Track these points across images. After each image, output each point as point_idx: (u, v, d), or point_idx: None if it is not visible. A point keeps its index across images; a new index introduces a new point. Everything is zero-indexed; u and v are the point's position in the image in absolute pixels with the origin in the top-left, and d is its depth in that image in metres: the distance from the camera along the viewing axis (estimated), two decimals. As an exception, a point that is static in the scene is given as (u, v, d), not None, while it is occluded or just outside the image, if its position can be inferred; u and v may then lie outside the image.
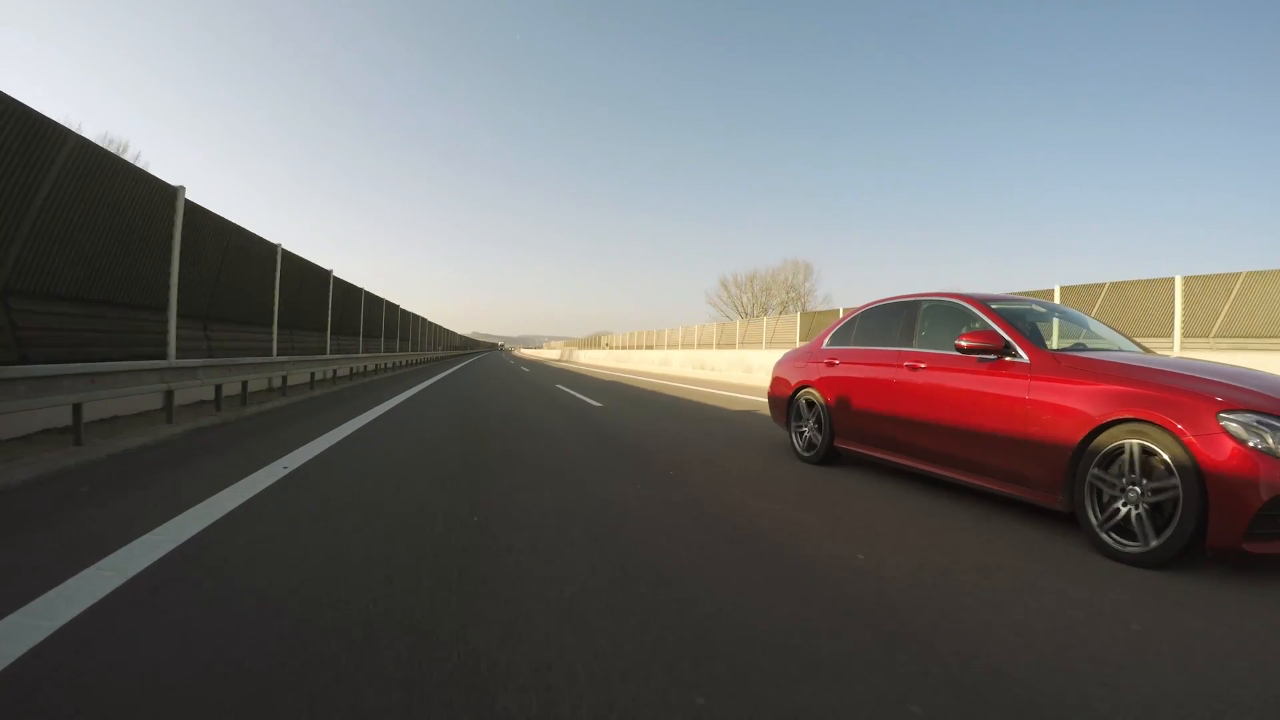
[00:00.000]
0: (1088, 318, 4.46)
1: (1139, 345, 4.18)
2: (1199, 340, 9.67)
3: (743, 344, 22.01)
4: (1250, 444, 2.51)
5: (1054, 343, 3.97)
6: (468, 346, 76.71)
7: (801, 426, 5.03)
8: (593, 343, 60.11)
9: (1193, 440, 2.58)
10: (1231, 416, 2.58)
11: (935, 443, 3.73)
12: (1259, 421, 2.56)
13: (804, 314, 20.12)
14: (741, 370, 17.29)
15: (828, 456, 4.74)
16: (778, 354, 20.25)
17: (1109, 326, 4.40)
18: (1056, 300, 11.31)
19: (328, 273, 14.47)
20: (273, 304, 10.91)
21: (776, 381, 5.54)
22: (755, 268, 64.00)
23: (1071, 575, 2.54)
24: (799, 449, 5.03)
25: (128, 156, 7.36)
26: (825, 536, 2.98)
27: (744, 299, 52.29)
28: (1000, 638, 1.94)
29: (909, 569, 2.55)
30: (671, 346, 29.49)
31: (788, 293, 50.34)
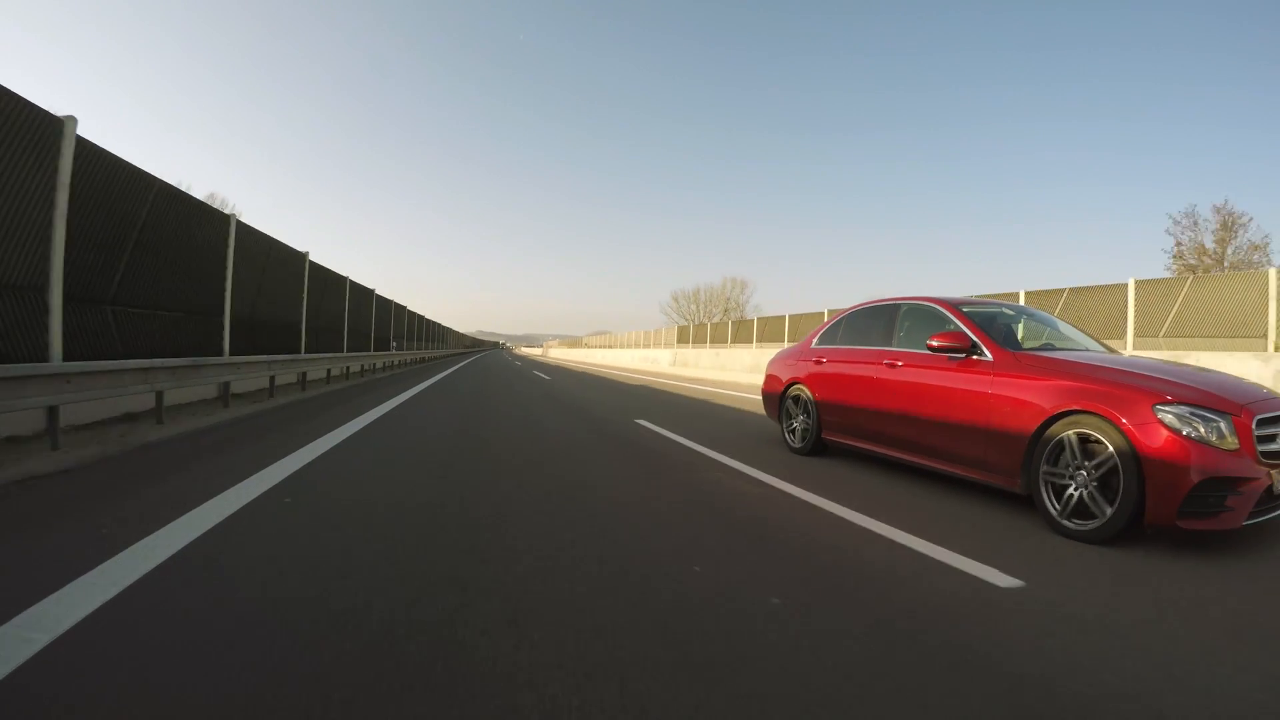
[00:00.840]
0: (1056, 319, 4.79)
1: (1104, 345, 4.50)
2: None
3: (654, 346, 33.43)
4: (1183, 433, 2.83)
5: (1024, 343, 4.29)
6: (476, 345, 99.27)
7: (792, 421, 5.36)
8: (575, 343, 75.20)
9: (1131, 430, 2.90)
10: (1166, 409, 2.90)
11: (911, 433, 4.06)
12: (1191, 413, 2.88)
13: (680, 327, 32.73)
14: (649, 361, 27.98)
15: (816, 448, 5.07)
16: (666, 352, 27.17)
17: (1076, 328, 4.73)
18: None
19: (370, 291, 18.98)
20: (344, 317, 15.64)
21: (769, 379, 5.86)
22: (699, 283, 77.32)
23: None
24: (790, 441, 5.36)
25: (226, 210, 10.49)
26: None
27: (691, 309, 61.75)
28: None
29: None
30: (623, 347, 41.12)
31: (726, 303, 58.77)
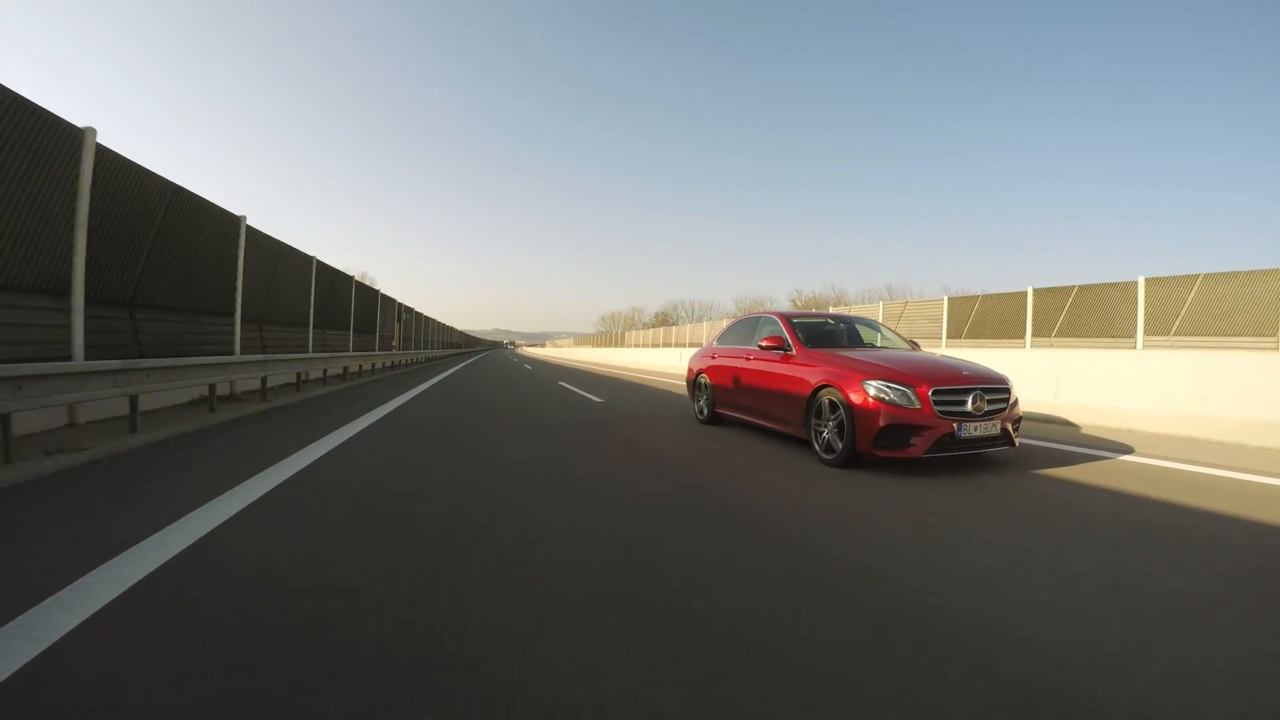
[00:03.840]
0: (881, 326, 6.70)
1: (910, 343, 6.39)
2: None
3: (578, 344, 50.75)
4: (880, 397, 4.73)
5: (865, 343, 6.20)
6: (493, 345, 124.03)
7: (699, 400, 7.34)
8: (558, 344, 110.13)
9: (849, 396, 4.82)
10: (870, 383, 4.79)
11: (756, 404, 6.02)
12: (885, 385, 4.76)
13: (576, 338, 77.73)
14: (585, 357, 39.92)
15: (713, 419, 7.03)
16: (582, 350, 46.18)
17: (894, 331, 6.62)
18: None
19: (391, 299, 22.46)
20: (362, 323, 18.60)
21: (689, 370, 7.83)
22: (615, 309, 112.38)
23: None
24: (697, 415, 7.33)
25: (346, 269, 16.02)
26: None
27: (614, 321, 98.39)
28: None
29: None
30: (572, 346, 59.81)
31: (629, 321, 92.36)
